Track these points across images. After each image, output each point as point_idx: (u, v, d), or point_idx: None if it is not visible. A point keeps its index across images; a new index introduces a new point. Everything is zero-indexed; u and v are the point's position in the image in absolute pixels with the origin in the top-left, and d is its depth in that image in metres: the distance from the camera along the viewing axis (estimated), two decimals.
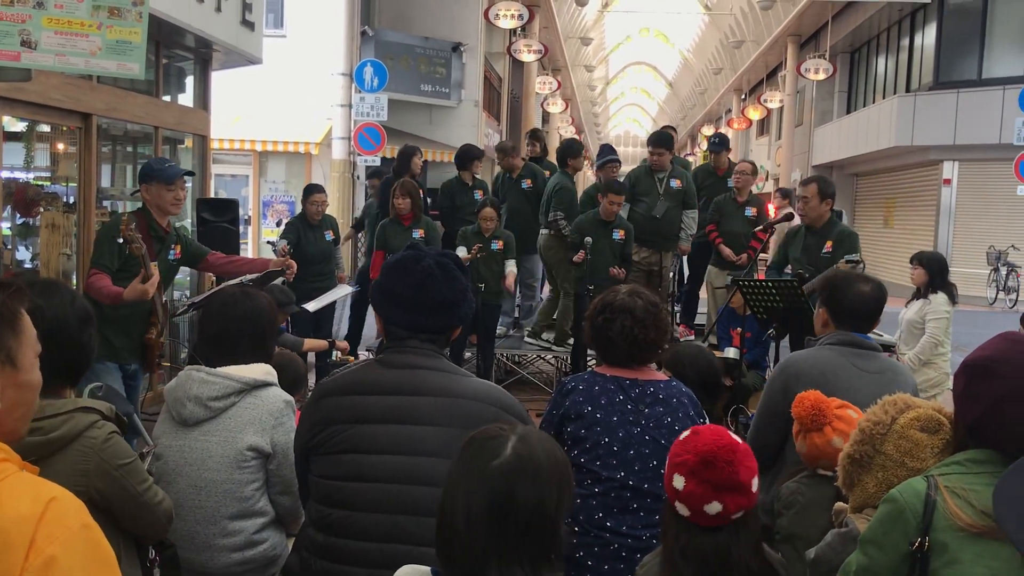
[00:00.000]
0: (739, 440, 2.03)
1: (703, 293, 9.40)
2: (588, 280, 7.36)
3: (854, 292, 3.23)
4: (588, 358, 7.08)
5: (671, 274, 8.53)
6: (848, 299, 3.23)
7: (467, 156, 8.85)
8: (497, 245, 7.77)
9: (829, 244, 6.20)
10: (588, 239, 7.45)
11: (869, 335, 3.28)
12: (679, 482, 1.99)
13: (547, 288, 9.14)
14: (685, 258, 8.65)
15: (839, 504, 2.26)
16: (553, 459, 1.68)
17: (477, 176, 9.07)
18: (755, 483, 1.99)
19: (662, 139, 8.55)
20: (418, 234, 7.59)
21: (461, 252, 7.57)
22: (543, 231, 8.42)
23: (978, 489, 1.79)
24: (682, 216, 8.43)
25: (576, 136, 44.40)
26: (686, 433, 2.08)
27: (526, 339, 8.61)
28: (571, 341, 8.08)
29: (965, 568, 1.78)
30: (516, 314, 9.06)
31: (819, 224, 6.33)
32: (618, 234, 7.69)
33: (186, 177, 4.77)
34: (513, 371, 9.20)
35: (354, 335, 8.45)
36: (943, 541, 1.81)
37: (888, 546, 1.87)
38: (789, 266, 6.61)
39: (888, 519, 1.89)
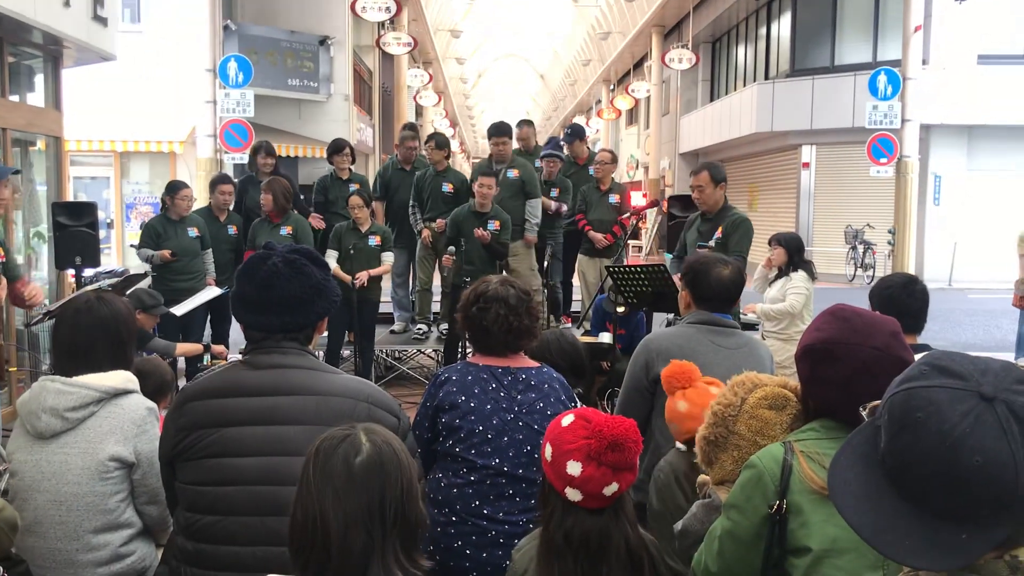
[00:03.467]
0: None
1: (576, 280, 9.60)
2: (465, 272, 7.49)
3: (713, 275, 3.39)
4: (460, 351, 7.13)
5: (532, 267, 8.64)
6: (707, 282, 3.39)
7: (331, 149, 8.84)
8: (374, 240, 7.73)
9: (720, 230, 6.22)
10: (451, 248, 7.66)
11: (729, 314, 3.42)
12: (575, 468, 2.01)
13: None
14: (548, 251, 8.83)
15: (703, 476, 2.34)
16: (399, 445, 1.70)
17: (353, 170, 9.05)
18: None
19: (501, 128, 8.73)
20: (286, 231, 7.52)
21: (330, 259, 7.53)
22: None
23: (830, 453, 1.86)
24: (526, 207, 8.57)
25: (451, 128, 44.45)
26: (569, 419, 2.10)
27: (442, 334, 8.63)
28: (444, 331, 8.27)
29: (817, 528, 1.87)
30: (414, 309, 9.07)
31: (715, 210, 6.34)
32: (493, 224, 7.77)
33: (15, 176, 4.58)
34: (393, 367, 9.17)
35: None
36: (798, 503, 1.90)
37: (749, 510, 1.94)
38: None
39: (749, 484, 1.97)
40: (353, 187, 8.42)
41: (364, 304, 7.62)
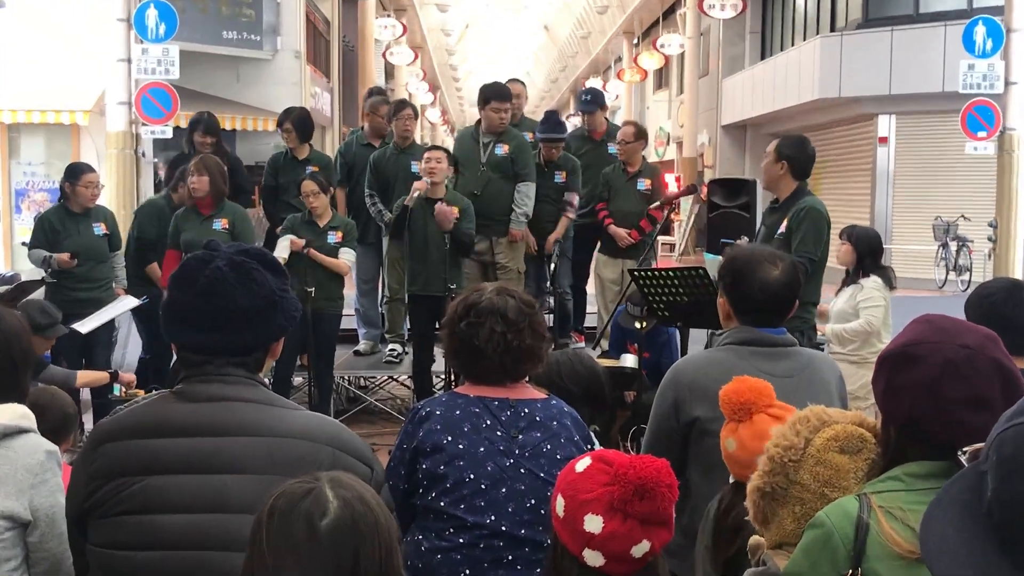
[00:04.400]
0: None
1: (591, 288, 9.64)
2: (415, 276, 7.72)
3: (759, 277, 3.30)
4: (448, 379, 7.18)
5: (520, 269, 8.72)
6: (751, 286, 3.30)
7: (307, 125, 8.94)
8: (335, 237, 7.76)
9: (786, 222, 6.11)
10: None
11: (783, 328, 3.39)
12: (594, 523, 2.03)
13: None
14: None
15: (755, 539, 2.35)
16: (375, 500, 1.72)
17: (315, 148, 9.16)
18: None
19: (502, 91, 8.78)
20: (220, 225, 7.56)
21: (282, 250, 7.56)
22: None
23: (918, 509, 1.83)
24: (514, 192, 8.64)
25: (431, 93, 44.55)
26: (585, 463, 2.12)
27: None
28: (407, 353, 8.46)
29: None
30: (384, 325, 9.12)
31: (781, 196, 6.22)
32: (449, 209, 7.86)
33: None
34: (358, 398, 9.22)
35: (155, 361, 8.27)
36: (877, 571, 1.91)
37: None
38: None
39: (814, 547, 1.98)
40: (310, 169, 8.46)
41: (321, 317, 7.64)
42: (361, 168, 8.92)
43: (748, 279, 3.31)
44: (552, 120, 9.15)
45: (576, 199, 8.94)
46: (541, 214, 8.84)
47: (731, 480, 2.80)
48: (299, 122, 8.84)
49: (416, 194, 7.62)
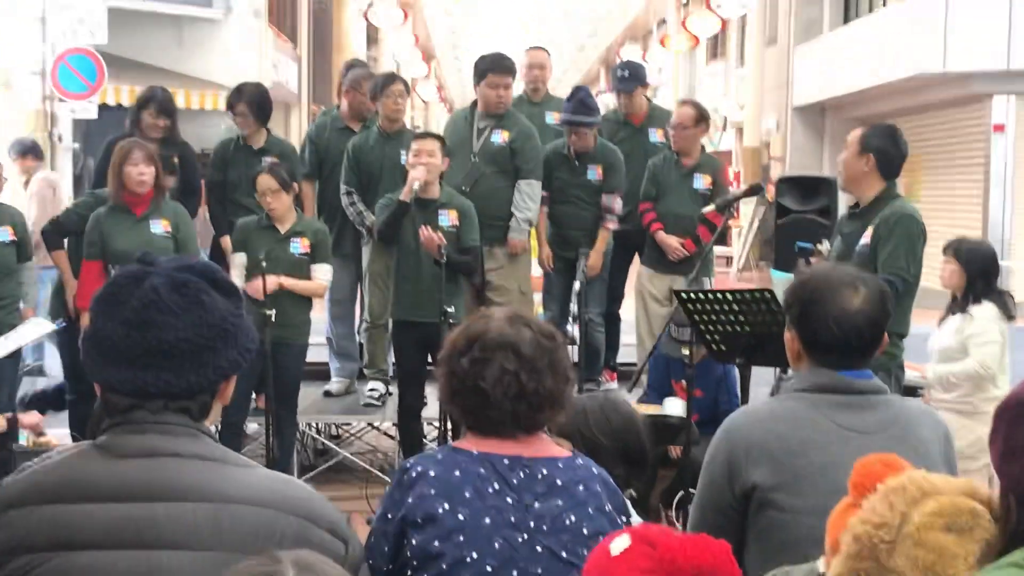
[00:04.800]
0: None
1: (627, 312, 9.63)
2: (401, 302, 7.84)
3: (836, 306, 3.28)
4: (443, 430, 7.18)
5: (522, 289, 8.74)
6: (826, 317, 3.28)
7: (265, 106, 8.96)
8: (300, 246, 7.76)
9: (870, 231, 6.12)
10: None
11: (869, 371, 3.36)
12: None
13: None
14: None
15: None
16: None
17: (275, 134, 9.22)
18: None
19: (501, 63, 8.81)
20: (161, 228, 7.58)
21: (237, 276, 7.61)
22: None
23: None
24: (514, 190, 8.66)
25: (425, 64, 44.65)
26: (622, 542, 2.13)
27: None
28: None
29: None
30: (363, 358, 9.13)
31: (864, 199, 6.27)
32: (445, 218, 7.88)
33: None
34: (328, 451, 9.24)
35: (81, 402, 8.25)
36: None
37: None
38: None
39: None
40: (268, 160, 8.47)
41: (282, 349, 7.64)
42: (336, 158, 8.94)
43: (822, 308, 3.28)
44: (579, 98, 9.06)
45: (618, 204, 8.92)
46: (568, 219, 8.88)
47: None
48: (256, 102, 8.85)
49: (416, 185, 7.62)
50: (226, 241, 8.63)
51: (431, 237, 7.47)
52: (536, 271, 9.58)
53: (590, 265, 8.71)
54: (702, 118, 9.06)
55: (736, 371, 6.40)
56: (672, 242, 8.81)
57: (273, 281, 7.51)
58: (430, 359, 7.71)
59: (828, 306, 3.28)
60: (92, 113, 12.17)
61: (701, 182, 8.89)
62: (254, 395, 8.10)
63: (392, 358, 8.85)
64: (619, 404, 3.96)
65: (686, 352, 6.67)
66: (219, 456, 2.39)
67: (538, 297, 9.74)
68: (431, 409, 7.99)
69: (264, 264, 7.55)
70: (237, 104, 8.81)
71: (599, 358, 9.26)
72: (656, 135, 9.26)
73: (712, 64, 38.09)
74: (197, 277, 2.40)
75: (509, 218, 8.60)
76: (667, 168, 8.95)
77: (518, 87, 9.48)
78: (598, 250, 8.85)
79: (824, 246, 6.40)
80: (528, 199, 8.60)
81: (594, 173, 8.93)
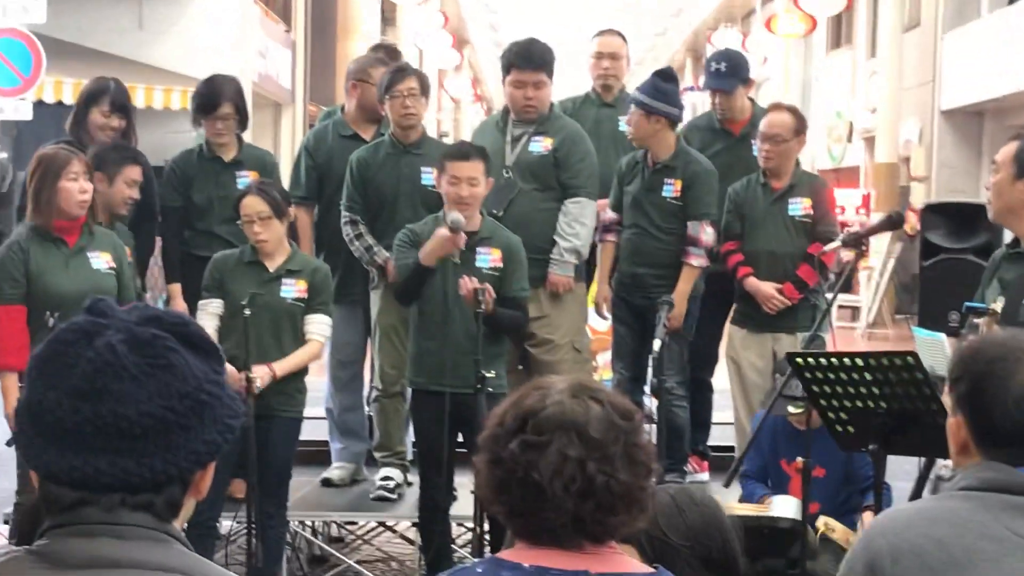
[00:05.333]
0: None
1: (721, 381, 9.61)
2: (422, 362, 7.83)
3: (1017, 385, 3.30)
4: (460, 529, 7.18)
5: (575, 345, 8.74)
6: (1004, 399, 3.28)
7: (202, 100, 9.01)
8: (294, 289, 7.77)
9: None
10: (455, 219, 7.68)
11: None
12: None
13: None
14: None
15: None
16: None
17: (248, 143, 9.34)
18: None
19: (529, 54, 8.88)
20: (102, 263, 7.61)
21: (208, 319, 7.66)
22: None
23: None
24: (560, 214, 8.68)
25: (456, 52, 44.82)
26: None
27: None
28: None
29: None
30: (373, 436, 9.13)
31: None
32: (486, 257, 7.79)
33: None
34: (327, 560, 9.27)
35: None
36: None
37: None
38: None
39: None
40: (244, 178, 8.50)
41: (269, 423, 7.68)
42: (342, 175, 8.97)
43: (1002, 388, 3.27)
44: (651, 80, 9.13)
45: (708, 234, 8.90)
46: (638, 250, 8.88)
47: None
48: (242, 104, 8.95)
49: (452, 232, 7.55)
50: (175, 289, 8.69)
51: (469, 290, 7.43)
52: (596, 322, 9.59)
53: (674, 315, 8.54)
54: (801, 127, 9.08)
55: (871, 463, 6.37)
56: (767, 289, 8.77)
57: (264, 374, 7.52)
58: (461, 439, 7.72)
59: (1010, 385, 3.27)
60: (26, 113, 12.25)
61: (798, 207, 8.88)
62: (231, 482, 8.08)
63: (411, 437, 8.86)
64: (697, 496, 3.95)
65: (793, 410, 6.67)
66: (189, 567, 2.39)
67: (604, 358, 9.73)
68: (462, 505, 7.99)
69: (247, 313, 7.56)
70: (220, 105, 8.82)
71: (682, 440, 9.16)
72: (756, 149, 9.22)
73: (834, 54, 38.16)
74: (165, 332, 2.38)
75: (552, 247, 8.63)
76: (752, 193, 8.96)
77: (583, 83, 9.51)
78: (680, 294, 8.74)
79: (999, 304, 6.31)
80: (576, 223, 8.62)
81: (670, 189, 8.89)
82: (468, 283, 7.43)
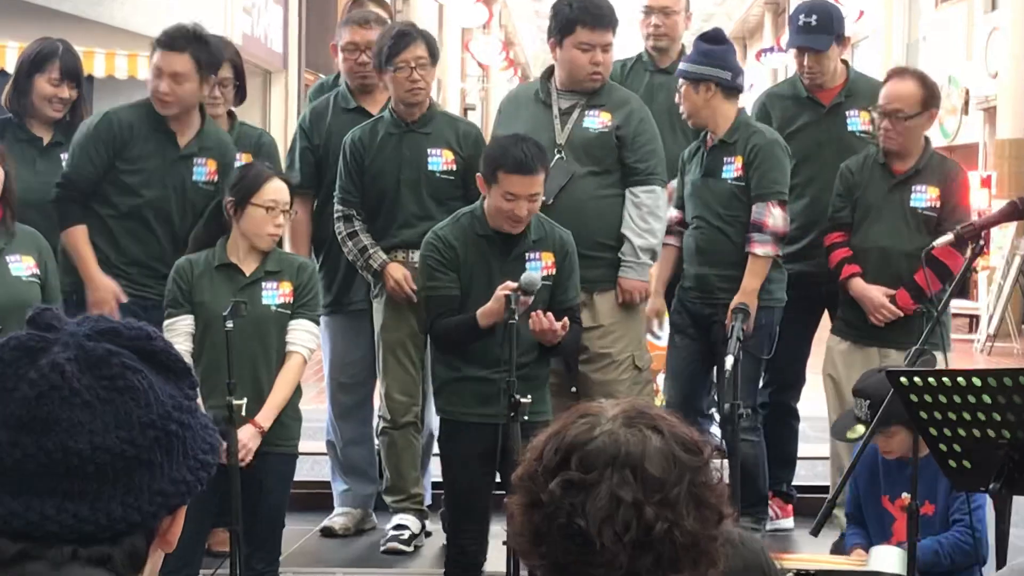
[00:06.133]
0: None
1: (809, 407, 9.59)
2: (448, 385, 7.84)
3: None
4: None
5: (638, 363, 8.76)
6: None
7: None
8: (276, 293, 7.78)
9: None
10: (529, 280, 7.60)
11: None
12: None
13: None
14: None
15: None
16: None
17: (242, 121, 9.50)
18: None
19: (602, 12, 8.91)
20: (23, 269, 7.63)
21: (180, 337, 7.64)
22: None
23: None
24: (626, 201, 8.72)
25: (484, 10, 44.89)
26: None
27: None
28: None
29: None
30: (383, 476, 9.15)
31: None
32: (536, 264, 7.77)
33: None
34: None
35: None
36: None
37: None
38: None
39: None
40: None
41: (257, 461, 7.70)
42: (337, 153, 9.08)
43: None
44: (698, 46, 9.21)
45: (773, 216, 8.89)
46: (700, 248, 8.91)
47: None
48: (241, 66, 9.02)
49: (511, 316, 7.38)
50: (105, 294, 8.62)
51: (546, 324, 7.46)
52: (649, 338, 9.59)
53: (729, 319, 8.47)
54: (931, 100, 9.01)
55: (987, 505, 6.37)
56: (875, 295, 8.73)
57: (250, 438, 7.53)
58: (500, 479, 7.73)
59: None
60: None
61: (923, 198, 8.84)
62: (211, 530, 8.13)
63: (431, 476, 8.87)
64: (738, 537, 3.93)
65: (851, 436, 6.67)
66: None
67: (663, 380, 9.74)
68: (492, 559, 7.97)
69: (229, 327, 7.55)
70: (214, 70, 8.79)
71: (755, 479, 9.14)
72: (859, 120, 9.19)
73: (946, 7, 38.16)
74: (124, 348, 2.36)
75: (615, 246, 8.65)
76: (868, 174, 8.93)
77: (633, 44, 9.50)
78: (747, 291, 8.75)
79: None
80: (651, 217, 8.65)
81: (731, 169, 8.93)
82: (543, 321, 7.45)
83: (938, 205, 8.84)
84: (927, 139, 9.11)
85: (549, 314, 7.44)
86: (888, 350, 8.63)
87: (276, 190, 7.71)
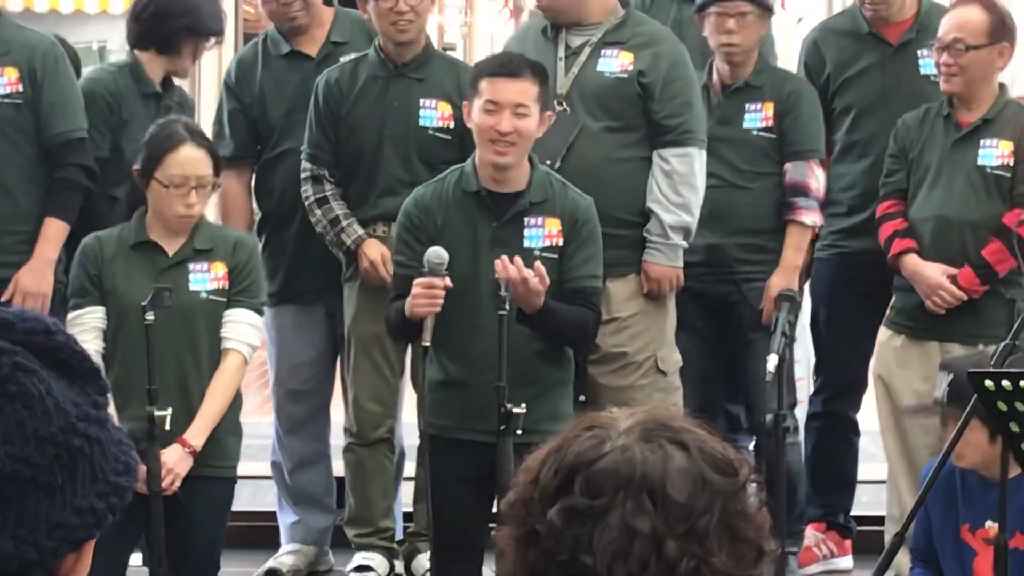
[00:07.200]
0: None
1: (868, 419, 9.63)
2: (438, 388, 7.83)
3: None
4: None
5: (660, 365, 8.76)
6: None
7: (168, 14, 9.21)
8: (209, 277, 7.83)
9: None
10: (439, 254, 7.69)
11: None
12: None
13: None
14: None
15: None
16: None
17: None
18: None
19: None
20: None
21: (91, 335, 7.64)
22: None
23: None
24: (654, 167, 8.76)
25: None
26: None
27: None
28: None
29: None
30: (345, 503, 9.19)
31: None
32: (536, 232, 7.78)
33: None
34: None
35: None
36: None
37: None
38: None
39: None
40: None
41: (187, 487, 7.74)
42: (285, 118, 9.20)
43: None
44: None
45: (816, 178, 9.02)
46: (714, 212, 8.99)
47: None
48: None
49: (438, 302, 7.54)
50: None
51: (515, 278, 7.41)
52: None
53: (766, 308, 8.64)
54: (1000, 29, 9.03)
55: None
56: (932, 274, 8.71)
57: (178, 461, 7.59)
58: (495, 509, 7.65)
59: None
60: None
61: (993, 154, 8.83)
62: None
63: (400, 506, 8.91)
64: None
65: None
66: None
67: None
68: None
69: (149, 319, 7.57)
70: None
71: (793, 489, 9.11)
72: (928, 60, 9.15)
73: None
74: (16, 344, 2.36)
75: (638, 221, 8.68)
76: (929, 129, 8.92)
77: None
78: (788, 268, 8.85)
79: None
80: (685, 187, 8.67)
81: (756, 118, 9.01)
82: (510, 269, 7.41)
83: (1012, 163, 8.78)
84: (1003, 85, 9.10)
85: (517, 258, 7.39)
86: (951, 345, 8.54)
87: (183, 162, 7.74)
